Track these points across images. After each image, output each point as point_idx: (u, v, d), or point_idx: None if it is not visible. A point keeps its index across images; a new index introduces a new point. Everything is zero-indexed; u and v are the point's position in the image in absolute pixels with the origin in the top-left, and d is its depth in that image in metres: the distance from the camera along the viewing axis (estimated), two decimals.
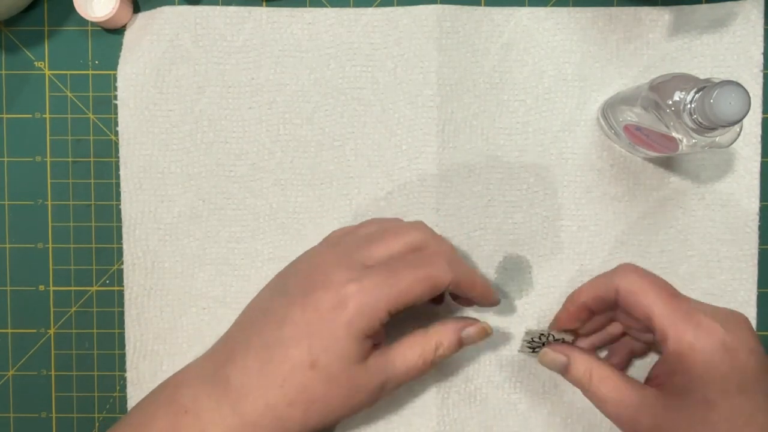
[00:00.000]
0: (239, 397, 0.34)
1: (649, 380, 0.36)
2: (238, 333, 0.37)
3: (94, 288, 0.44)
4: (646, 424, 0.33)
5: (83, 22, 0.44)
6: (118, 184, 0.44)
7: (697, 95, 0.33)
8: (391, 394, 0.36)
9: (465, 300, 0.39)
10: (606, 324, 0.40)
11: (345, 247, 0.37)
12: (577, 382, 0.36)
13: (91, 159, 0.44)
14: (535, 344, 0.39)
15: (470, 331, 0.37)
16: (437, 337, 0.36)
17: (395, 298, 0.34)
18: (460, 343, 0.37)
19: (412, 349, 0.36)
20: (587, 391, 0.35)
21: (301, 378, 0.34)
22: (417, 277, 0.34)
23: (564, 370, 0.37)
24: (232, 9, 0.44)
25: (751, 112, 0.33)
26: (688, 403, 0.32)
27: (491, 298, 0.38)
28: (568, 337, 0.38)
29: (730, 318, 0.33)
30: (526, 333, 0.39)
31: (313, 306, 0.34)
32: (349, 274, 0.34)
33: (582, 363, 0.36)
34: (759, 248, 0.43)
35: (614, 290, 0.35)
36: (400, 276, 0.34)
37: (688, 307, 0.33)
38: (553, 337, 0.38)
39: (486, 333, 0.38)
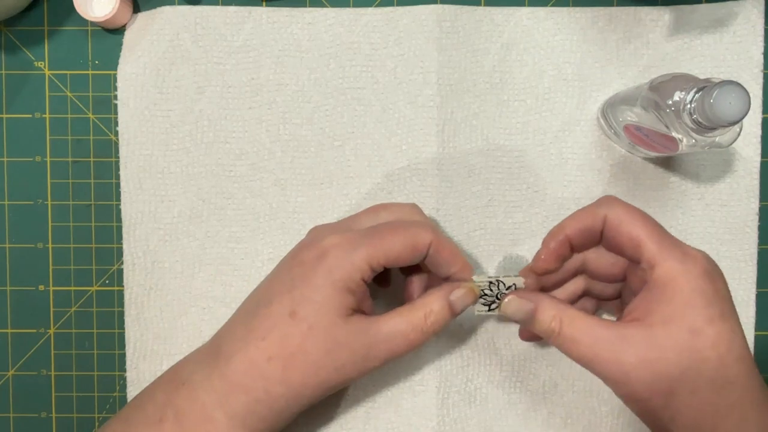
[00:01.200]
0: (226, 360, 0.35)
1: (622, 319, 0.34)
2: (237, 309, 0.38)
3: (94, 288, 0.44)
4: (630, 361, 0.31)
5: (83, 22, 0.44)
6: (118, 184, 0.44)
7: (697, 95, 0.33)
8: (379, 365, 0.35)
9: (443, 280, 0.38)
10: (566, 281, 0.40)
11: (339, 221, 0.39)
12: (545, 330, 0.34)
13: (91, 159, 0.44)
14: (489, 299, 0.37)
15: (458, 293, 0.36)
16: (425, 305, 0.35)
17: (375, 250, 0.34)
18: (451, 309, 0.36)
19: (400, 316, 0.35)
20: (558, 337, 0.33)
21: (281, 329, 0.34)
22: (398, 234, 0.35)
23: (530, 319, 0.34)
24: (232, 9, 0.44)
25: (751, 112, 0.33)
26: (673, 332, 0.32)
27: (470, 274, 0.37)
28: (520, 281, 0.36)
29: (704, 252, 0.34)
30: (474, 285, 0.36)
31: (299, 261, 0.35)
32: (334, 232, 0.36)
33: (550, 307, 0.34)
34: (758, 248, 0.43)
35: (601, 220, 0.34)
36: (382, 233, 0.35)
37: (672, 237, 0.34)
38: (504, 284, 0.36)
39: (474, 293, 0.36)
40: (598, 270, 0.38)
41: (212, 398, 0.34)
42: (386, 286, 0.40)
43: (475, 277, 0.36)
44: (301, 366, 0.34)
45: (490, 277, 0.36)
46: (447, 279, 0.37)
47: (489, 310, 0.37)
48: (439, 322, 0.35)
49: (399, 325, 0.35)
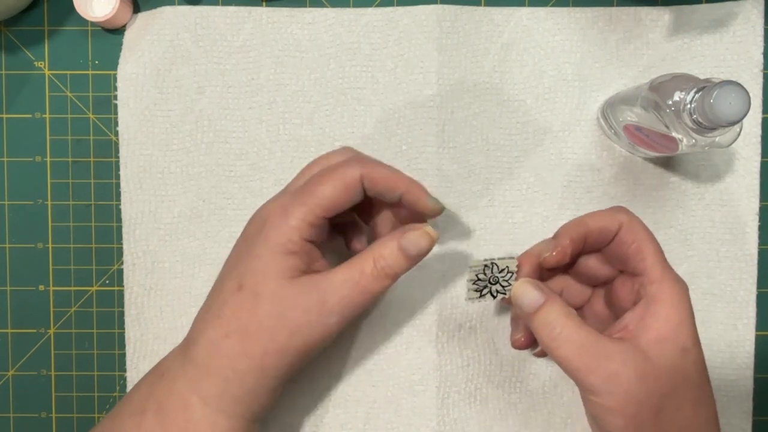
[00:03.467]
0: (193, 345, 0.35)
1: (614, 331, 0.34)
2: None
3: (94, 288, 0.44)
4: (627, 376, 0.31)
5: (83, 22, 0.44)
6: (118, 184, 0.44)
7: (697, 95, 0.33)
8: (339, 320, 0.34)
9: (408, 216, 0.38)
10: (551, 277, 0.39)
11: (280, 191, 0.38)
12: (542, 327, 0.33)
13: (91, 159, 0.44)
14: (481, 284, 0.36)
15: (410, 236, 0.34)
16: (375, 250, 0.34)
17: (307, 206, 0.34)
18: (405, 254, 0.34)
19: (348, 265, 0.34)
20: (554, 340, 0.33)
21: (232, 304, 0.34)
22: (325, 181, 0.34)
23: (533, 310, 0.34)
24: (232, 9, 0.44)
25: (751, 112, 0.33)
26: (667, 350, 0.32)
27: (425, 199, 0.35)
28: (513, 263, 0.35)
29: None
30: (470, 269, 0.35)
31: (244, 237, 0.36)
32: (272, 201, 0.36)
33: (559, 306, 0.33)
34: (759, 248, 0.43)
35: (618, 224, 0.35)
36: (310, 186, 0.35)
37: (667, 260, 0.35)
38: (498, 267, 0.35)
39: (429, 237, 0.34)
40: (586, 270, 0.38)
41: (187, 385, 0.34)
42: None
43: (471, 262, 0.35)
44: (256, 335, 0.33)
45: (485, 260, 0.35)
46: (402, 207, 0.36)
47: (480, 296, 0.36)
48: (392, 267, 0.34)
49: (347, 272, 0.34)
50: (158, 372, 0.36)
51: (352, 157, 0.36)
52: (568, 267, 0.38)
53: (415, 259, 0.35)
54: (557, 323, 0.33)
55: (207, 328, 0.35)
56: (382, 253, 0.34)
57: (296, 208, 0.34)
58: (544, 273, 0.37)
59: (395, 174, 0.35)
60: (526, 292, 0.34)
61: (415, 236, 0.34)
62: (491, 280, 0.36)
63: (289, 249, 0.34)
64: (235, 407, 0.34)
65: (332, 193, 0.34)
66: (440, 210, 0.36)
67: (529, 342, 0.38)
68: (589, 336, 0.32)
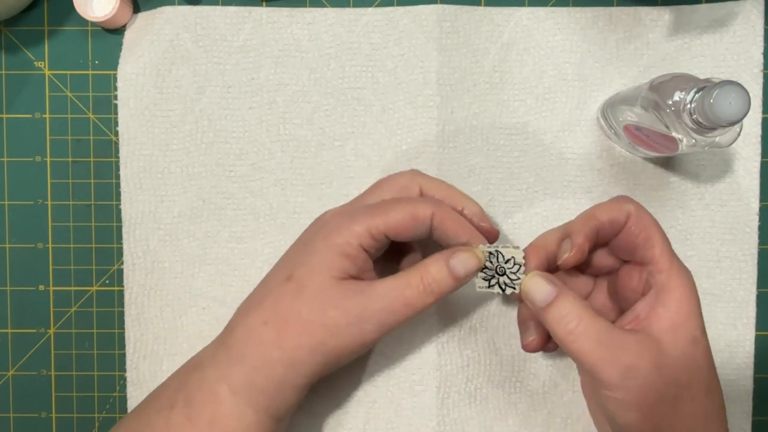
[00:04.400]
0: (230, 332, 0.36)
1: (625, 322, 0.34)
2: None
3: (94, 288, 0.44)
4: (645, 367, 0.31)
5: (83, 22, 0.44)
6: (118, 184, 0.44)
7: (697, 95, 0.33)
8: (376, 329, 0.34)
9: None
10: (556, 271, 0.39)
11: (347, 203, 0.39)
12: (556, 321, 0.33)
13: (91, 159, 0.44)
14: (489, 273, 0.35)
15: (459, 256, 0.34)
16: (423, 267, 0.35)
17: (374, 218, 0.34)
18: (451, 272, 0.34)
19: (396, 278, 0.35)
20: (570, 334, 0.32)
21: (276, 292, 0.35)
22: (398, 205, 0.35)
23: (546, 304, 0.33)
24: (232, 9, 0.44)
25: (751, 112, 0.33)
26: (679, 339, 0.32)
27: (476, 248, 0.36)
28: (519, 254, 0.35)
29: None
30: (480, 251, 0.35)
31: (304, 236, 0.37)
32: (338, 207, 0.37)
33: (573, 300, 0.33)
34: (759, 248, 0.43)
35: (626, 215, 0.34)
36: (381, 204, 0.36)
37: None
38: (503, 256, 0.35)
39: (478, 258, 0.35)
40: (590, 262, 0.38)
41: (216, 372, 0.35)
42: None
43: (475, 250, 0.35)
44: (293, 327, 0.34)
45: (489, 247, 0.35)
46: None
47: (489, 285, 0.36)
48: (439, 284, 0.34)
49: (393, 284, 0.34)
50: (190, 364, 0.37)
51: (428, 198, 0.37)
52: None
53: (461, 280, 0.35)
54: (573, 316, 0.32)
55: (248, 315, 0.35)
56: (429, 270, 0.34)
57: (363, 217, 0.34)
58: (551, 266, 0.36)
59: (464, 223, 0.36)
60: (538, 285, 0.34)
61: (465, 257, 0.35)
62: (498, 270, 0.35)
63: (345, 251, 0.34)
64: (260, 400, 0.34)
65: (401, 218, 0.34)
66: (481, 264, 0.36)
67: (543, 343, 0.37)
68: (606, 329, 0.32)
